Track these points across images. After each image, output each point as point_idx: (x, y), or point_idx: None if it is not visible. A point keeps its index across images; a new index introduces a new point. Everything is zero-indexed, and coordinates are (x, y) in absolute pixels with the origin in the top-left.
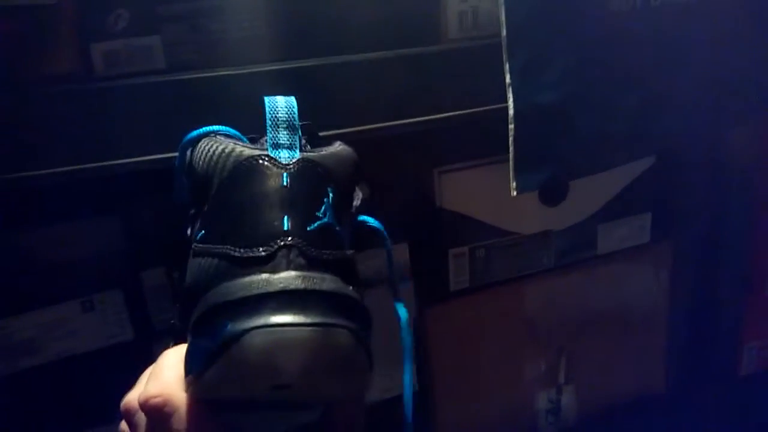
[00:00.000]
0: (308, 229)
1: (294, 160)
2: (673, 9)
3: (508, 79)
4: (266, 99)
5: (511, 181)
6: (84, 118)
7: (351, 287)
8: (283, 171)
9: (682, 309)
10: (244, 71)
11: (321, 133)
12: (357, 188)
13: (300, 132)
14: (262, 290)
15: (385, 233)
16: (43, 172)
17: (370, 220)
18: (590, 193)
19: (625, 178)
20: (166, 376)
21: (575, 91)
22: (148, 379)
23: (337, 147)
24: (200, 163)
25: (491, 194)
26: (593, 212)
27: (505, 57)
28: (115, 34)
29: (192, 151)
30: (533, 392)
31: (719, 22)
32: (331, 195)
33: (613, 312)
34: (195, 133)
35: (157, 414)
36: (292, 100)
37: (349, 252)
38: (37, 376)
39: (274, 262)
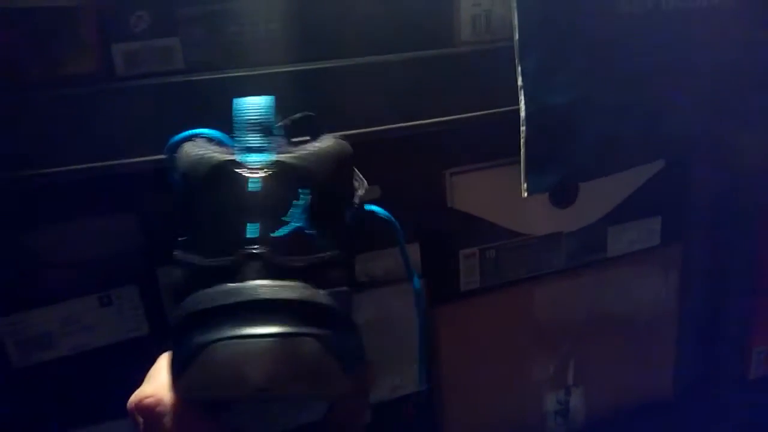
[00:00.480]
0: (275, 235)
1: (263, 164)
2: (684, 13)
3: (520, 82)
4: (234, 101)
5: (522, 182)
6: (104, 116)
7: (325, 291)
8: (251, 176)
9: (691, 312)
10: (261, 72)
11: (333, 134)
12: (356, 182)
13: (274, 132)
14: (226, 301)
15: (394, 220)
16: (62, 169)
17: (379, 210)
18: (600, 196)
19: (636, 181)
20: (161, 377)
21: (586, 94)
22: (146, 380)
23: (323, 143)
24: (180, 168)
25: (502, 196)
26: (603, 215)
27: (517, 60)
28: (136, 36)
29: (176, 156)
30: (542, 393)
31: (728, 26)
32: (306, 196)
33: (623, 314)
34: (178, 137)
35: (150, 414)
36: (267, 100)
37: (327, 254)
38: (55, 368)
39: (240, 272)
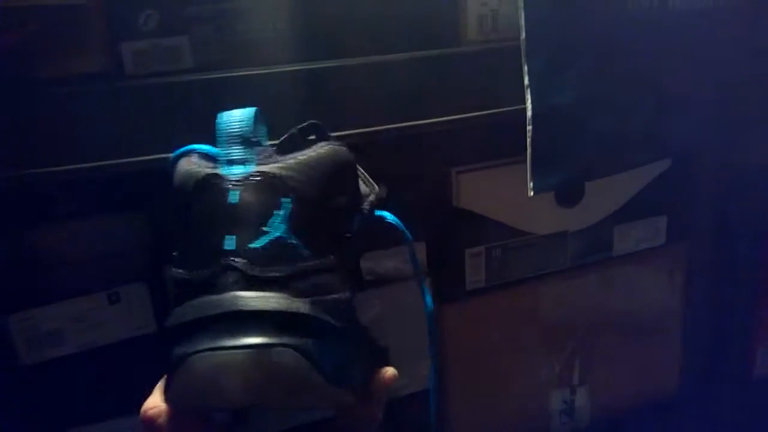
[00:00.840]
0: (253, 246)
1: (243, 176)
2: (690, 13)
3: (526, 81)
4: (220, 115)
5: (528, 181)
6: (113, 115)
7: (308, 300)
8: (231, 189)
9: (696, 311)
10: (269, 71)
11: (338, 133)
12: (367, 187)
13: (259, 143)
14: (203, 314)
15: (404, 227)
16: (70, 167)
17: (388, 216)
18: (606, 195)
19: (641, 180)
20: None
21: (592, 93)
22: (154, 390)
23: (314, 150)
24: (173, 184)
25: (508, 194)
26: (609, 214)
27: (523, 59)
28: (145, 34)
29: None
30: (547, 392)
31: (735, 26)
32: (288, 206)
33: (628, 313)
34: (175, 153)
35: (152, 425)
36: (249, 112)
37: (312, 262)
38: (64, 366)
39: (218, 284)
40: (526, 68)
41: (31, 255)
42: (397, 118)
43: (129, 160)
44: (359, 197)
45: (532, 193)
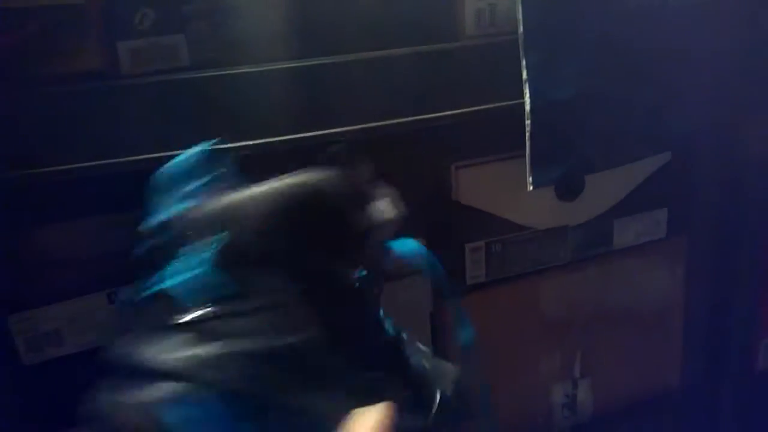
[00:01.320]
0: (172, 283)
1: (180, 214)
2: (689, 8)
3: (525, 75)
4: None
5: (528, 175)
6: (110, 114)
7: (216, 344)
8: (168, 226)
9: (697, 304)
10: (266, 68)
11: (338, 129)
12: (381, 212)
13: (208, 181)
14: (106, 362)
15: (429, 257)
16: (68, 167)
17: (407, 249)
18: (606, 189)
19: (642, 174)
20: None
21: (591, 87)
22: None
23: (273, 184)
24: None
25: (508, 189)
26: (609, 207)
27: (522, 53)
28: (141, 33)
29: None
30: (549, 386)
31: (736, 20)
32: (219, 243)
33: (629, 307)
34: None
35: None
36: (194, 153)
37: (235, 304)
38: (63, 365)
39: (138, 321)
40: (524, 62)
41: (31, 255)
42: (395, 114)
43: (127, 159)
44: (340, 236)
45: (531, 187)
